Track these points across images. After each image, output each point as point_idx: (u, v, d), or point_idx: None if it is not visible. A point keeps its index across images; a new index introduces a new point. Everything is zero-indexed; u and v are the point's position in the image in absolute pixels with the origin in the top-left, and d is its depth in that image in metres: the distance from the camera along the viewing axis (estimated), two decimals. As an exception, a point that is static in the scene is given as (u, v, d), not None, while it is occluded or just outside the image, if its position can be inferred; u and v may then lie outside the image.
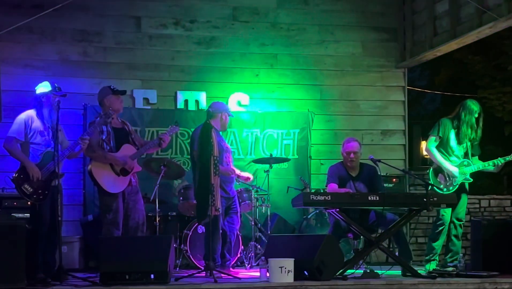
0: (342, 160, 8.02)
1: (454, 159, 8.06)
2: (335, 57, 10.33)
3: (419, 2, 10.12)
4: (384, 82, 10.48)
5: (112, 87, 7.53)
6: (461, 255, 8.10)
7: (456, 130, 8.07)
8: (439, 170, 8.10)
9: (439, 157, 8.04)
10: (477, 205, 10.49)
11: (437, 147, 8.07)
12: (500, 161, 8.00)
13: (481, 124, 8.11)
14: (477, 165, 8.06)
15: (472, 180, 8.11)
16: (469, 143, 8.08)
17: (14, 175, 6.93)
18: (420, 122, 15.61)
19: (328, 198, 7.18)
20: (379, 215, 7.58)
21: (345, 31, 10.38)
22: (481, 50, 14.51)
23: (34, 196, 6.88)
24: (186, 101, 9.76)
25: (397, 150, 10.39)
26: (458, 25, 9.16)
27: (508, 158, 7.99)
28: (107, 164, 7.31)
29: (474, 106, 8.10)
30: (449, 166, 8.01)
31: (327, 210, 7.68)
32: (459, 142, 8.06)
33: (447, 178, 8.03)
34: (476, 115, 8.08)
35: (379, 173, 7.90)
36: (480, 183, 14.57)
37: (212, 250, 7.27)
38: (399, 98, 10.54)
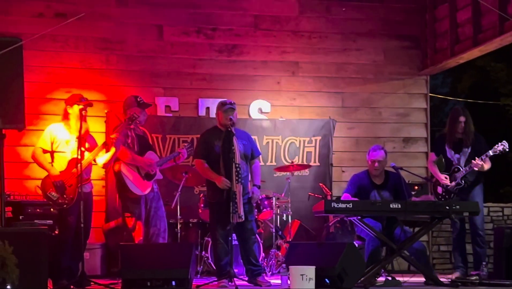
0: (367, 168, 8.00)
1: (459, 169, 8.08)
2: (357, 65, 10.32)
3: (441, 9, 10.09)
4: (406, 90, 10.46)
5: (138, 99, 7.59)
6: (484, 263, 8.03)
7: (449, 141, 8.13)
8: (437, 183, 8.22)
9: (433, 170, 8.23)
10: (500, 213, 10.40)
11: (445, 162, 8.12)
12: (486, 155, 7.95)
13: (469, 128, 8.09)
14: (465, 168, 8.04)
15: (463, 184, 8.04)
16: (468, 149, 8.06)
17: (41, 182, 7.04)
18: (442, 129, 15.51)
19: (350, 205, 7.14)
20: (404, 234, 7.55)
21: (367, 38, 10.36)
22: (504, 57, 14.43)
23: (60, 202, 6.95)
24: (207, 109, 9.79)
25: (419, 157, 10.35)
26: (480, 32, 9.12)
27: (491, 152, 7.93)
28: (134, 166, 7.41)
29: (455, 112, 8.20)
30: (439, 176, 8.14)
31: (349, 218, 7.66)
32: (455, 151, 8.09)
33: (443, 188, 8.07)
34: (463, 119, 8.09)
35: (405, 179, 7.88)
36: (503, 191, 14.47)
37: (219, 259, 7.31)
38: (421, 106, 10.50)
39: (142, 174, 7.47)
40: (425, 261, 7.66)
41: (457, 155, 8.15)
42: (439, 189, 8.17)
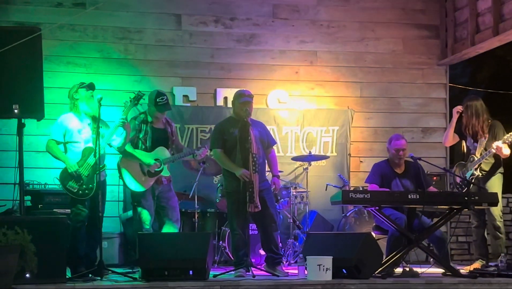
0: (387, 158, 7.96)
1: (474, 159, 8.05)
2: (376, 54, 10.27)
3: (461, -2, 10.02)
4: (425, 80, 10.39)
5: (157, 100, 7.48)
6: (503, 254, 7.98)
7: (468, 131, 8.12)
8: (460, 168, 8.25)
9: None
10: (520, 204, 10.34)
11: (466, 150, 8.19)
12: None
13: (480, 115, 7.99)
14: (479, 158, 7.97)
15: (477, 174, 7.96)
16: (484, 139, 8.02)
17: (59, 175, 7.07)
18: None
19: (367, 196, 7.14)
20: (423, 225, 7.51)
21: (386, 28, 10.31)
22: (524, 47, 14.28)
23: (80, 192, 6.97)
24: (225, 98, 9.78)
25: (437, 148, 10.29)
26: (501, 22, 9.05)
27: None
28: (136, 162, 7.39)
29: (466, 101, 8.10)
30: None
31: (366, 208, 7.63)
32: (474, 140, 8.08)
33: (461, 178, 8.09)
34: (472, 110, 8.01)
35: (423, 169, 7.84)
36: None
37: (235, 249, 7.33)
38: (441, 96, 10.44)
39: (145, 170, 7.44)
40: (445, 250, 7.62)
41: (475, 144, 8.09)
42: (458, 178, 8.14)
